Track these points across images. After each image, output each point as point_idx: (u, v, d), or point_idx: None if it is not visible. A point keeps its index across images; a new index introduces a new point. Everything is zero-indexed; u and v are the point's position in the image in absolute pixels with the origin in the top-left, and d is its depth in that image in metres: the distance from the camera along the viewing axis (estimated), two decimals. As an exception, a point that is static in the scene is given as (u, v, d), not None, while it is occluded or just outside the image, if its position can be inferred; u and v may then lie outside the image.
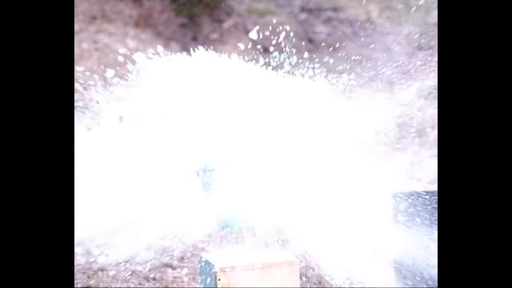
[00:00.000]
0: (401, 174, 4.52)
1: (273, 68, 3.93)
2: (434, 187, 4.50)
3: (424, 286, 4.25)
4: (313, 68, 3.99)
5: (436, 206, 4.26)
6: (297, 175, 3.94)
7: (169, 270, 5.59)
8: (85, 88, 3.76)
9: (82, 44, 8.99)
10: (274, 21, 4.65)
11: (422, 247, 4.20)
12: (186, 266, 5.62)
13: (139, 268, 5.40)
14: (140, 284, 5.42)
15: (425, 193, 4.35)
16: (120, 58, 3.72)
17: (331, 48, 4.74)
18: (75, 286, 5.27)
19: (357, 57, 4.48)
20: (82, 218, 3.46)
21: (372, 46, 4.77)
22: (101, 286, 5.35)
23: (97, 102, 3.80)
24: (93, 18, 9.04)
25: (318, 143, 4.09)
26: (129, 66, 3.75)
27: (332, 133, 4.17)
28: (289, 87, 3.96)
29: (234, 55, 3.82)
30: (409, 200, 4.40)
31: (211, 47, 3.83)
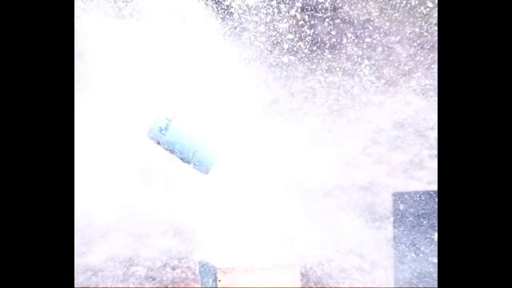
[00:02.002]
0: (401, 174, 4.52)
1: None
2: (434, 187, 4.50)
3: (424, 287, 4.25)
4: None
5: (436, 206, 4.26)
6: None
7: (169, 270, 5.59)
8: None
9: None
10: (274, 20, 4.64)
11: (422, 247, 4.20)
12: (186, 266, 5.61)
13: (139, 268, 5.40)
14: (140, 284, 5.42)
15: (425, 193, 4.34)
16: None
17: (331, 48, 4.73)
18: (75, 286, 5.27)
19: (357, 57, 4.48)
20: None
21: (372, 46, 4.77)
22: (101, 286, 5.35)
23: None
24: None
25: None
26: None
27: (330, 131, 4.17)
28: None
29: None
30: (409, 200, 4.39)
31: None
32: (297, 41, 4.72)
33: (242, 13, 4.39)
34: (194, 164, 3.58)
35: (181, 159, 3.58)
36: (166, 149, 3.57)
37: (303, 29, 4.72)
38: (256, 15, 4.41)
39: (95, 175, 3.89)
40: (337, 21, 4.81)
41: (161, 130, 3.51)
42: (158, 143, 3.54)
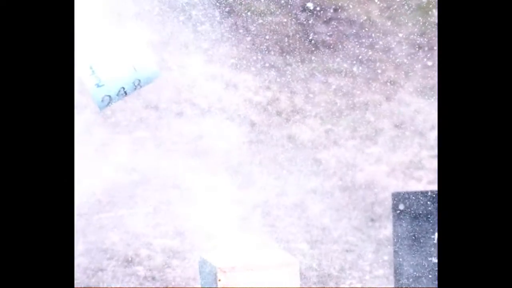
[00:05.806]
0: (400, 174, 4.51)
1: None
2: (434, 187, 4.50)
3: (424, 286, 4.25)
4: None
5: (436, 206, 4.26)
6: None
7: (169, 270, 5.59)
8: None
9: None
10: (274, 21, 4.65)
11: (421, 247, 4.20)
12: (186, 266, 5.62)
13: (139, 268, 5.40)
14: (140, 284, 5.42)
15: (425, 193, 4.34)
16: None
17: (331, 48, 4.74)
18: (75, 286, 5.27)
19: (357, 57, 4.48)
20: None
21: (372, 46, 4.77)
22: (101, 286, 5.35)
23: None
24: None
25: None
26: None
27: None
28: None
29: None
30: (409, 200, 4.40)
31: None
32: (297, 41, 4.72)
33: (243, 12, 4.39)
34: (143, 79, 3.27)
35: (134, 87, 3.28)
36: (120, 96, 3.31)
37: (303, 29, 4.72)
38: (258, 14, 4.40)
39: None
40: (337, 21, 4.81)
41: (98, 85, 3.26)
42: (110, 100, 3.27)
